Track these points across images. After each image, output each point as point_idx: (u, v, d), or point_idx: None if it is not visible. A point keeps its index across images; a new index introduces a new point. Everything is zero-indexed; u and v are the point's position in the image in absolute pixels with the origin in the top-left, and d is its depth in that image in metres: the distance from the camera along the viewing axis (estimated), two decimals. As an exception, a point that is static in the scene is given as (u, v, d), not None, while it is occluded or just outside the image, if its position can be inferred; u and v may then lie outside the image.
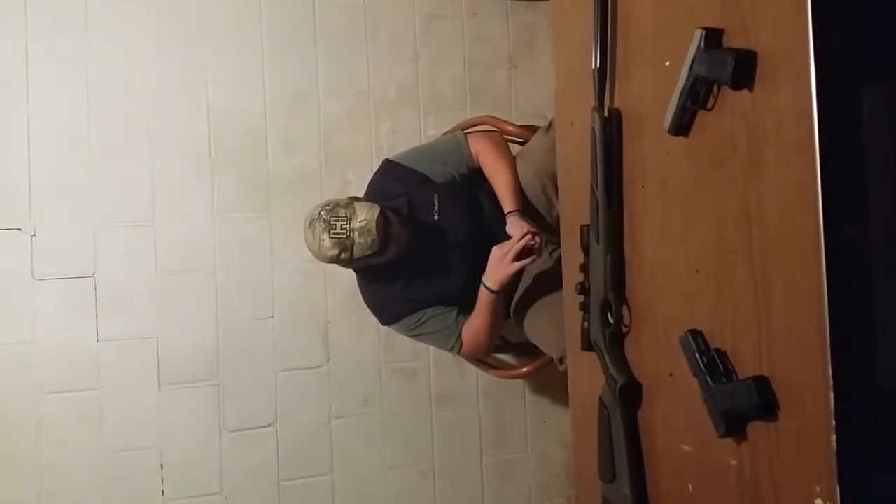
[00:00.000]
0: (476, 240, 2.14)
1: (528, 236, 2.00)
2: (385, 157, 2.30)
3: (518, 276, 2.11)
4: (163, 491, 2.48)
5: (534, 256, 2.02)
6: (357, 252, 1.98)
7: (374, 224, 1.96)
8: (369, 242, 1.97)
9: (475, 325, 2.15)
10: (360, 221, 1.97)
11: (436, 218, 2.14)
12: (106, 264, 2.45)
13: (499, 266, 2.04)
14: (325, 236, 1.98)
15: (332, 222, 1.98)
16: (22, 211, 2.40)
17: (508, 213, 2.12)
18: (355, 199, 2.09)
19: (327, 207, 2.01)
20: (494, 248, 2.05)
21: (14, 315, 2.38)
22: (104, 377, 2.44)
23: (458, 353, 2.22)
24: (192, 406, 2.51)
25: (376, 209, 1.99)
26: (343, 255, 1.99)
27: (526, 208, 2.15)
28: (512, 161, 2.20)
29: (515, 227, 2.07)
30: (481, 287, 2.09)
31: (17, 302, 2.38)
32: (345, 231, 1.97)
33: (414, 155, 2.28)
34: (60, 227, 2.42)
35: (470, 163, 2.21)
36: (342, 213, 1.98)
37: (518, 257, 2.01)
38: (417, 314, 2.17)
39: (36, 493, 2.37)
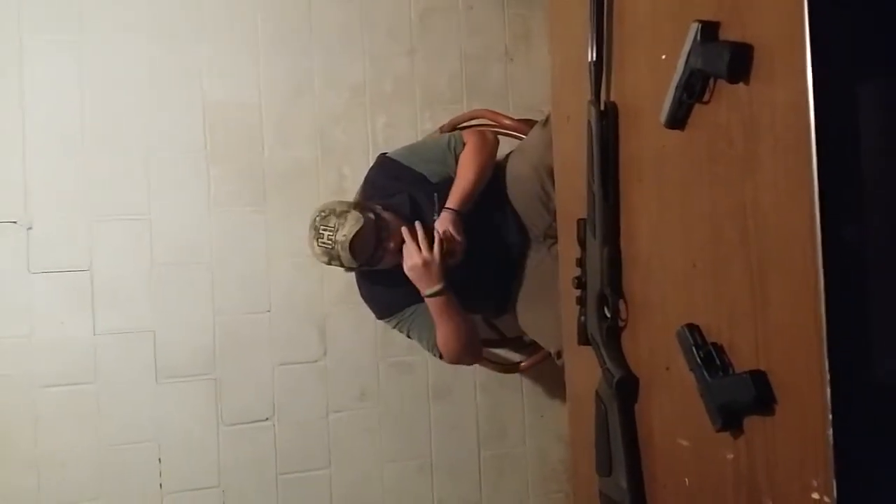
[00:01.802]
0: (476, 237, 2.13)
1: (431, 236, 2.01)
2: (381, 153, 2.29)
3: (463, 265, 2.07)
4: (160, 484, 2.48)
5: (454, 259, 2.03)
6: (345, 263, 1.99)
7: (349, 242, 1.94)
8: (349, 258, 1.96)
9: (441, 334, 2.12)
10: (342, 235, 1.95)
11: (435, 218, 2.11)
12: (102, 258, 2.45)
13: (417, 273, 2.02)
14: (315, 244, 1.99)
15: (321, 231, 1.98)
16: (17, 204, 2.39)
17: (445, 208, 2.08)
18: (356, 205, 2.04)
19: (322, 213, 2.00)
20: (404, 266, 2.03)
21: (10, 309, 2.38)
22: (101, 371, 2.44)
23: (441, 358, 2.20)
24: (189, 400, 2.51)
25: (359, 224, 1.95)
26: (333, 263, 2.01)
27: (469, 216, 2.10)
28: (486, 165, 2.16)
29: (442, 224, 2.05)
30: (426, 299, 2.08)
31: (12, 296, 2.38)
32: (330, 242, 1.96)
33: (410, 153, 2.26)
34: (56, 221, 2.42)
35: None
36: (332, 222, 1.97)
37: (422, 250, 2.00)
38: (409, 310, 2.16)
39: (34, 486, 2.37)
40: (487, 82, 2.82)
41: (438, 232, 2.04)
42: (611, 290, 1.35)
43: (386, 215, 2.05)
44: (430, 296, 2.05)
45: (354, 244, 1.95)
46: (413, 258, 2.01)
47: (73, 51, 2.46)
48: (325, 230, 1.97)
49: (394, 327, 2.26)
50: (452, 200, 2.09)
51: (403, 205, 2.13)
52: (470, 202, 2.10)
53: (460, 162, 2.16)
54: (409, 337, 2.26)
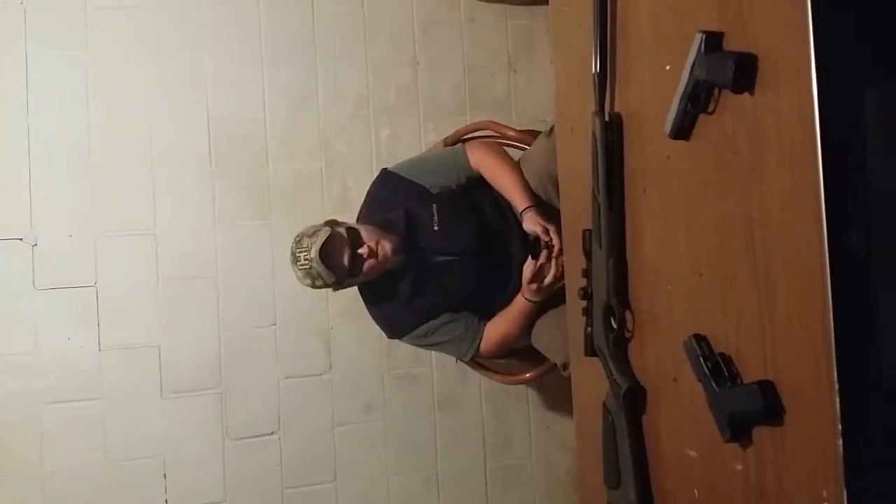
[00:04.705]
0: (479, 245, 2.14)
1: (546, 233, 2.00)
2: (383, 167, 2.29)
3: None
4: (166, 500, 2.48)
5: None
6: (326, 278, 1.99)
7: (318, 255, 1.96)
8: (326, 271, 1.97)
9: (503, 329, 2.15)
10: (314, 251, 1.97)
11: (435, 229, 2.12)
12: (107, 273, 2.45)
13: (535, 284, 2.04)
14: (295, 268, 2.02)
15: (297, 254, 2.00)
16: (23, 221, 2.40)
17: (523, 210, 2.09)
18: (328, 222, 2.07)
19: (297, 239, 2.03)
20: (525, 268, 2.05)
21: (16, 325, 2.38)
22: (106, 386, 2.44)
23: (472, 357, 2.22)
24: (194, 414, 2.51)
25: (326, 235, 1.98)
26: (318, 283, 2.01)
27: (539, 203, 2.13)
28: (515, 164, 2.19)
29: (531, 223, 2.05)
30: (520, 297, 2.09)
31: (18, 312, 2.38)
32: (308, 262, 1.98)
33: (412, 166, 2.27)
34: (61, 237, 2.42)
35: (469, 174, 2.20)
36: (305, 243, 1.99)
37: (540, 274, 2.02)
38: (426, 326, 2.16)
39: (39, 502, 2.37)
40: (491, 93, 2.83)
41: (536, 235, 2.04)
42: (617, 300, 1.35)
43: (358, 226, 2.07)
44: (527, 300, 2.08)
45: (323, 255, 1.97)
46: (546, 283, 2.03)
47: (78, 66, 2.47)
48: (300, 252, 2.00)
49: (410, 344, 2.27)
50: (520, 201, 2.10)
51: (399, 220, 2.13)
52: (531, 193, 2.12)
53: (489, 174, 2.18)
54: (429, 349, 2.30)
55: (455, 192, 2.20)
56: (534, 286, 2.04)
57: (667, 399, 1.27)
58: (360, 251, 2.01)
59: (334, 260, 1.99)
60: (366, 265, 2.02)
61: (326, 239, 1.98)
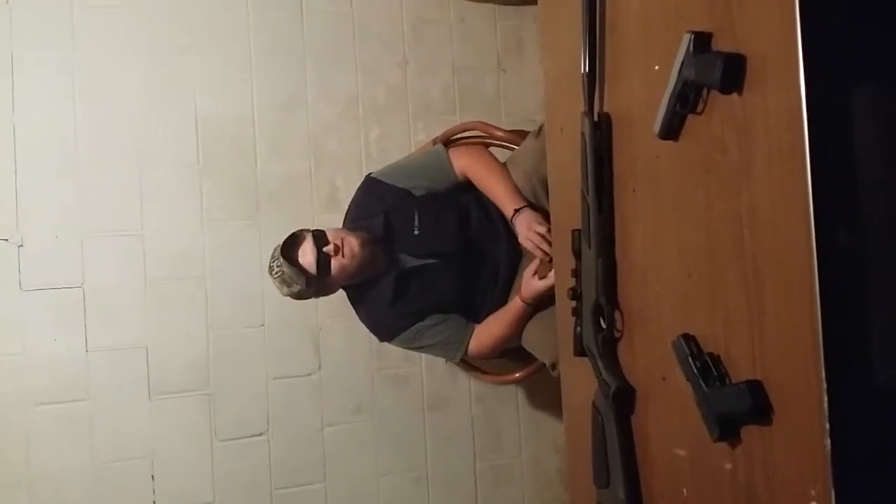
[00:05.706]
0: (461, 248, 2.14)
1: (540, 250, 1.98)
2: (367, 174, 2.29)
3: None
4: (154, 501, 2.46)
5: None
6: (297, 281, 2.03)
7: (282, 256, 2.02)
8: (296, 271, 2.02)
9: (497, 332, 2.15)
10: (279, 253, 2.04)
11: (416, 233, 2.14)
12: (94, 274, 2.44)
13: (530, 283, 2.03)
14: (271, 278, 2.08)
15: (271, 265, 2.07)
16: (9, 221, 2.38)
17: (513, 214, 2.08)
18: (304, 230, 2.10)
19: (271, 253, 2.08)
20: (525, 271, 2.05)
21: (2, 326, 2.36)
22: (94, 388, 2.42)
23: (461, 358, 2.23)
24: (182, 415, 2.50)
25: (284, 239, 2.05)
26: (295, 289, 2.05)
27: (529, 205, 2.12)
28: (502, 168, 2.19)
29: (522, 227, 2.05)
30: (517, 300, 2.09)
31: (5, 313, 2.36)
32: (280, 270, 2.03)
33: (396, 171, 2.26)
34: (48, 238, 2.41)
35: (453, 179, 2.20)
36: (276, 253, 2.06)
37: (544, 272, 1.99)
38: (413, 328, 2.17)
39: (26, 504, 2.35)
40: (480, 93, 2.83)
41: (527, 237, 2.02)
42: (606, 300, 1.35)
43: (325, 228, 2.10)
44: (521, 300, 2.08)
45: (287, 255, 2.02)
46: (539, 288, 2.00)
47: (65, 66, 2.45)
48: (273, 262, 2.06)
49: (399, 346, 2.28)
50: (509, 205, 2.09)
51: (378, 226, 2.15)
52: (520, 196, 2.11)
53: (478, 179, 2.18)
54: (419, 352, 2.33)
55: (439, 195, 2.20)
56: (529, 278, 2.03)
57: (656, 399, 1.27)
58: (325, 249, 2.03)
59: (299, 258, 2.03)
60: (334, 263, 2.04)
61: (288, 239, 2.05)
